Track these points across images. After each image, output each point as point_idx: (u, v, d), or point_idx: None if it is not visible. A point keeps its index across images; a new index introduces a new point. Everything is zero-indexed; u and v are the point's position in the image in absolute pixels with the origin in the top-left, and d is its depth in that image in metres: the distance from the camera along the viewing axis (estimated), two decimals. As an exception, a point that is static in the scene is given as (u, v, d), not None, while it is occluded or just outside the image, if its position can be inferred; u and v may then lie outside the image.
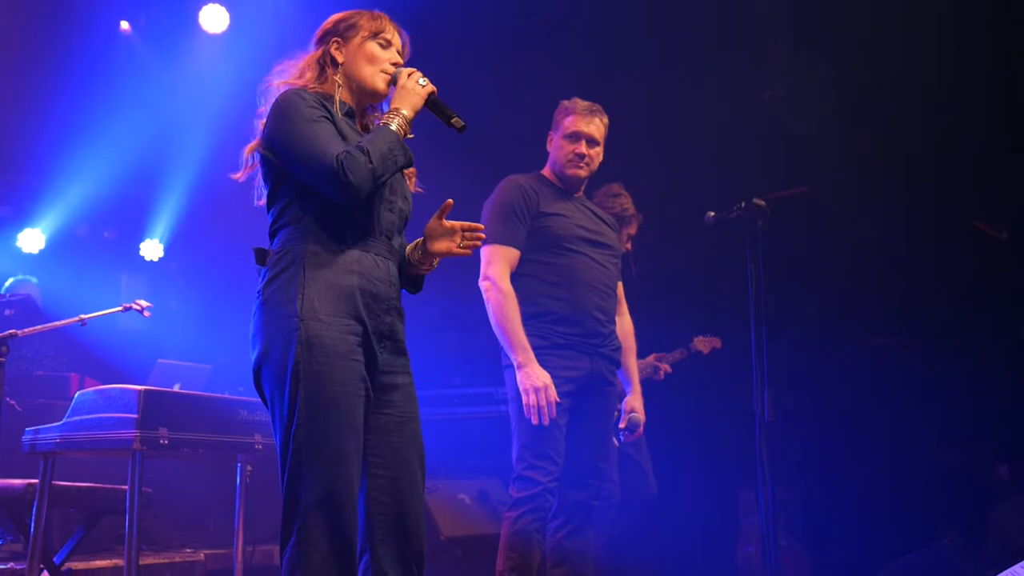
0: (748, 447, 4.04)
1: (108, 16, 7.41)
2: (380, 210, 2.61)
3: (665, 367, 5.47)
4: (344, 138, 2.55)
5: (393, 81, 2.71)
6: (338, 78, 2.70)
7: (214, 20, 7.40)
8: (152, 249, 8.11)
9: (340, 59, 2.71)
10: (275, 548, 5.61)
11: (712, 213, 4.20)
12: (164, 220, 8.03)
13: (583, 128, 3.92)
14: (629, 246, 4.83)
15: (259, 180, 2.68)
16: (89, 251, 7.89)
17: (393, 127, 2.58)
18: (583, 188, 4.10)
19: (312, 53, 2.75)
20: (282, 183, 2.57)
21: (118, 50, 7.51)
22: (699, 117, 6.85)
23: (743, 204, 4.12)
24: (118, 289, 8.11)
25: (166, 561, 5.05)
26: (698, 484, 6.50)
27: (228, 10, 7.42)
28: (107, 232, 8.27)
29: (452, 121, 2.68)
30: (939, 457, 6.44)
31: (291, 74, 2.72)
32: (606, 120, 3.99)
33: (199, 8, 7.39)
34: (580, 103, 3.96)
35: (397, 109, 2.62)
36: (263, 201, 2.69)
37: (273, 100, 2.62)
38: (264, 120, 2.63)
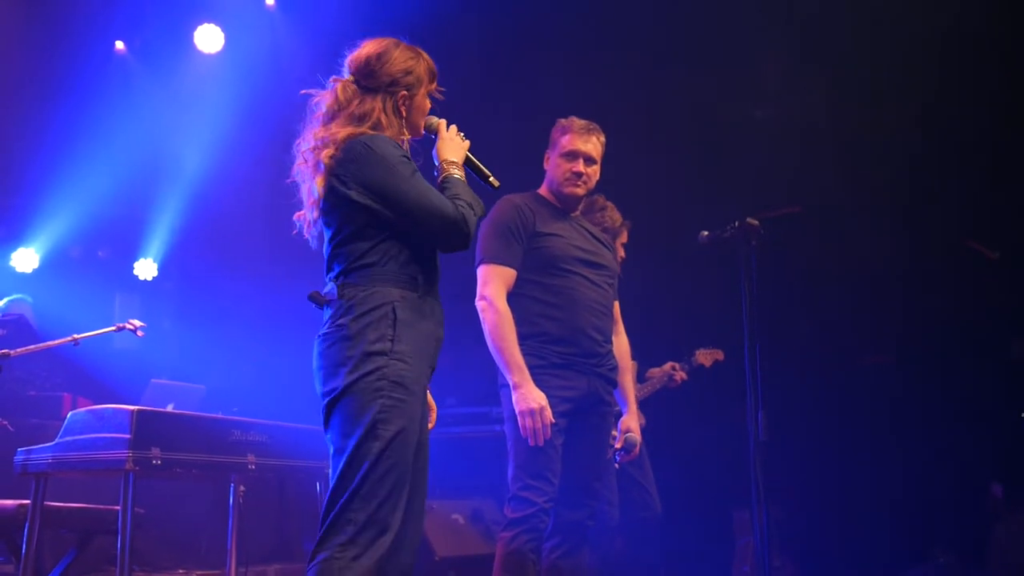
0: (742, 467, 4.03)
1: (103, 36, 7.43)
2: (438, 258, 2.83)
3: (682, 374, 5.41)
4: None
5: (429, 129, 2.91)
6: (406, 132, 2.87)
7: (209, 40, 7.43)
8: (146, 269, 8.10)
9: (404, 113, 2.85)
10: (268, 568, 5.61)
11: (706, 232, 4.20)
12: (158, 240, 8.03)
13: (580, 147, 3.93)
14: (623, 254, 4.81)
15: (320, 213, 2.77)
16: (83, 271, 7.87)
17: (457, 176, 2.82)
18: (580, 207, 4.10)
19: (376, 99, 2.80)
20: (372, 226, 2.70)
21: (113, 70, 7.53)
22: (692, 136, 6.88)
23: (736, 223, 4.13)
24: (111, 309, 8.09)
25: (158, 582, 5.03)
26: (692, 504, 6.49)
27: (223, 30, 7.44)
28: (101, 251, 8.26)
29: (490, 180, 2.97)
30: (933, 476, 6.44)
31: (364, 125, 2.77)
32: (603, 139, 3.99)
33: (194, 28, 7.41)
34: (577, 122, 3.96)
35: (452, 162, 2.84)
36: (309, 233, 2.83)
37: (357, 142, 2.71)
38: (329, 155, 2.70)
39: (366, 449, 2.57)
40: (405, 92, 2.83)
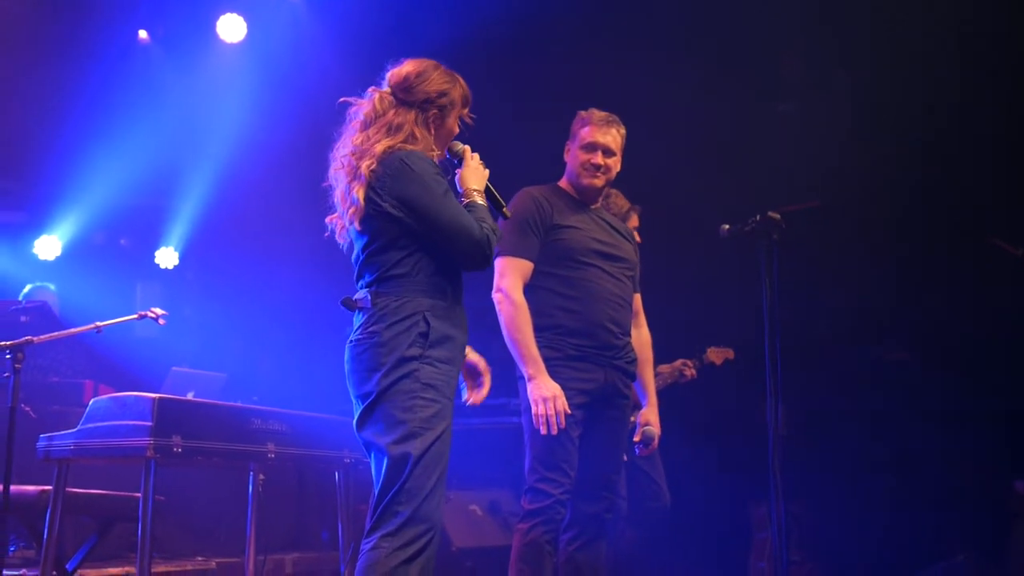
0: (760, 461, 4.02)
1: (127, 25, 7.47)
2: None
3: (691, 371, 5.40)
4: None
5: (454, 154, 3.06)
6: (435, 148, 3.00)
7: (231, 29, 7.46)
8: (167, 257, 8.14)
9: (433, 130, 3.00)
10: (287, 557, 5.64)
11: (727, 226, 4.19)
12: (180, 228, 8.07)
13: (599, 139, 3.92)
14: (639, 238, 4.79)
15: (353, 219, 2.88)
16: (105, 258, 7.93)
17: (481, 203, 2.97)
18: (600, 199, 4.09)
19: (409, 113, 2.94)
20: (403, 237, 2.85)
21: (136, 59, 7.56)
22: (714, 130, 6.85)
23: (758, 217, 4.11)
24: (133, 297, 8.14)
25: (178, 569, 5.06)
26: (710, 498, 6.47)
27: (245, 20, 7.46)
28: (123, 240, 8.31)
29: (504, 210, 3.16)
30: (953, 473, 6.40)
31: (398, 135, 2.90)
32: (623, 131, 3.98)
33: (216, 18, 7.44)
34: (597, 113, 3.96)
35: (476, 190, 3.00)
36: (343, 240, 2.97)
37: (384, 153, 2.85)
38: (368, 167, 2.84)
39: (409, 447, 2.72)
40: (437, 111, 2.98)
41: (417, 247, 2.85)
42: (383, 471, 2.75)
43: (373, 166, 2.84)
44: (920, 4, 6.05)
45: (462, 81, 3.05)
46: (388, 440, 2.75)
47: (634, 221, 4.83)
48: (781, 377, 3.94)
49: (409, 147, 2.89)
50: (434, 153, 2.98)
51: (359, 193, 2.84)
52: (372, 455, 2.83)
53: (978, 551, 5.96)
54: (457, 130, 3.07)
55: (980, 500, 6.33)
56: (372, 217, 2.86)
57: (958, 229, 6.65)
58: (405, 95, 2.96)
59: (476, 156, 3.07)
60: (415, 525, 2.69)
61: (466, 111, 3.08)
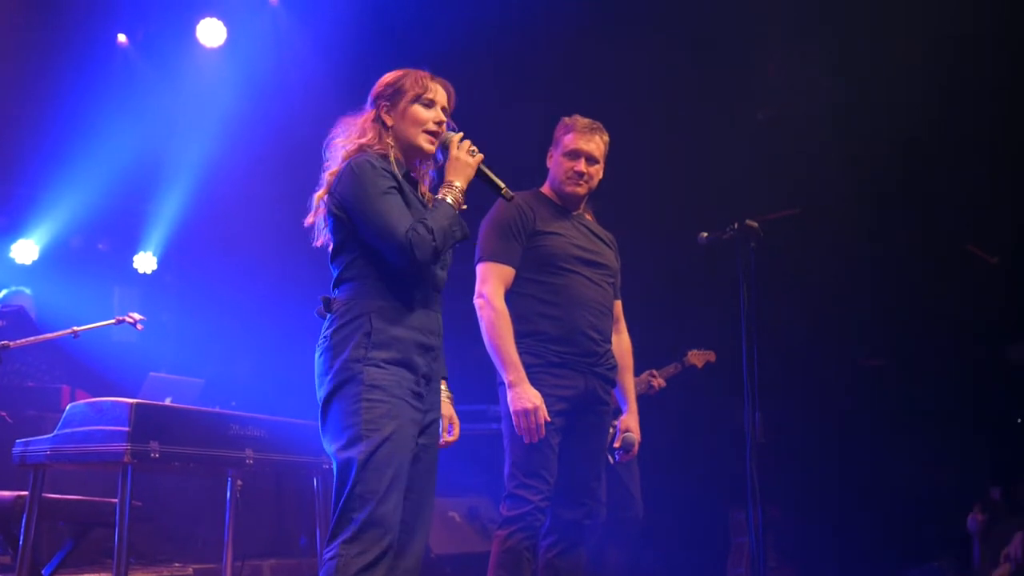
0: (738, 467, 4.04)
1: (106, 29, 7.44)
2: (434, 269, 2.89)
3: (659, 381, 5.41)
4: (408, 206, 2.83)
5: (443, 145, 2.95)
6: (389, 140, 2.93)
7: (211, 34, 7.44)
8: (146, 262, 8.10)
9: (389, 122, 2.94)
10: (264, 563, 5.62)
11: (705, 234, 4.21)
12: (158, 233, 8.04)
13: (583, 146, 3.92)
14: None
15: (320, 223, 2.92)
16: (82, 263, 7.88)
17: (449, 201, 2.85)
18: (583, 206, 4.09)
19: (368, 113, 2.97)
20: (350, 240, 2.83)
21: (115, 62, 7.53)
22: (693, 137, 6.88)
23: (736, 225, 4.13)
24: (111, 302, 8.09)
25: (155, 575, 5.03)
26: (688, 504, 6.49)
27: (225, 24, 7.45)
28: (101, 244, 8.26)
29: (503, 192, 3.00)
30: (930, 478, 6.45)
31: (353, 132, 2.93)
32: (607, 138, 3.98)
33: (196, 22, 7.42)
34: (580, 120, 3.95)
35: (451, 183, 2.89)
36: (320, 242, 2.95)
37: (344, 161, 2.86)
38: (331, 174, 2.88)
39: (354, 452, 2.68)
40: (386, 102, 2.94)
41: (364, 250, 2.81)
42: (336, 476, 2.73)
43: (334, 170, 2.89)
44: (904, 10, 6.10)
45: (418, 71, 2.96)
46: (335, 447, 2.73)
47: None
48: (759, 383, 3.97)
49: (365, 147, 2.89)
50: (389, 145, 2.91)
51: (317, 199, 2.90)
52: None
53: (954, 556, 6.01)
54: (425, 117, 2.92)
55: (956, 506, 6.38)
56: (327, 221, 2.88)
57: (936, 237, 6.71)
58: (368, 99, 3.00)
59: (465, 144, 2.93)
60: (371, 529, 2.63)
61: (424, 94, 2.91)
